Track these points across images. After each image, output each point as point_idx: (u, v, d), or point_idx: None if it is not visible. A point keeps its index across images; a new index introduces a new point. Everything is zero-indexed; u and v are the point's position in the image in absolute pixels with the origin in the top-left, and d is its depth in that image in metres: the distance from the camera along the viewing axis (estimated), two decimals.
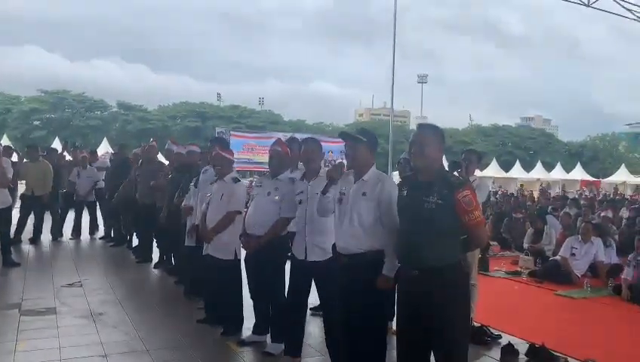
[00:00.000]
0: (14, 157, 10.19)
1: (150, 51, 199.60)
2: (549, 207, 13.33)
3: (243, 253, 4.76)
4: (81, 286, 6.46)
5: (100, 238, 10.27)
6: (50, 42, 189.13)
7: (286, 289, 4.20)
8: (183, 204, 5.98)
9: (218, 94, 59.33)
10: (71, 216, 10.49)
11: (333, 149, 24.76)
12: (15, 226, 9.27)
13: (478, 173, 6.84)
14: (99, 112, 49.53)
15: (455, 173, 4.40)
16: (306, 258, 3.88)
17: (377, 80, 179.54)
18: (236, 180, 4.85)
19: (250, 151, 31.64)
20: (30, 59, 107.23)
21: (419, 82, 47.85)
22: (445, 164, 3.63)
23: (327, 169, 3.77)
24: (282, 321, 4.23)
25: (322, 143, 4.39)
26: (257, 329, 4.60)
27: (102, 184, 10.53)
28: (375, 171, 3.42)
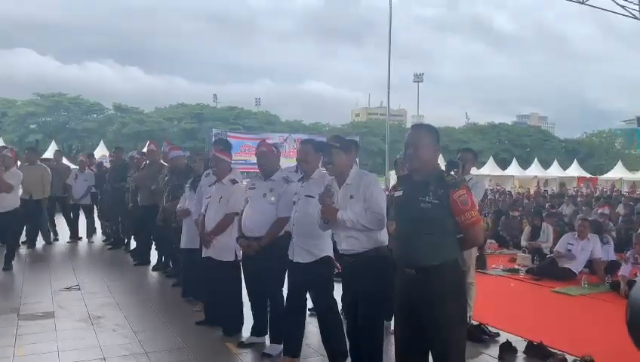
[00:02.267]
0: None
1: (143, 53, 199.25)
2: (547, 205, 13.37)
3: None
4: (79, 289, 6.46)
5: (103, 241, 10.28)
6: (42, 45, 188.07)
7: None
8: (178, 206, 5.99)
9: (214, 95, 59.23)
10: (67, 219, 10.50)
11: None
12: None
13: (475, 171, 6.86)
14: (95, 115, 49.41)
15: (452, 172, 4.43)
16: (292, 258, 3.91)
17: (372, 79, 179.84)
18: (234, 182, 4.85)
19: (247, 152, 31.58)
20: (22, 61, 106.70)
21: (415, 81, 47.63)
22: (442, 162, 3.66)
23: (322, 172, 3.85)
24: (280, 322, 4.24)
25: None
26: (256, 330, 4.61)
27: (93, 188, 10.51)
28: (355, 171, 3.52)
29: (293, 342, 4.09)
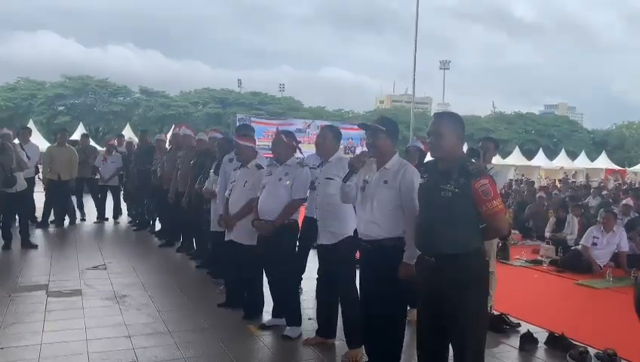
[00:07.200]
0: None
1: (162, 37, 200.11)
2: (567, 198, 13.14)
3: None
4: (106, 268, 6.62)
5: (128, 222, 10.48)
6: (63, 28, 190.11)
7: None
8: (203, 189, 6.08)
9: (239, 80, 59.25)
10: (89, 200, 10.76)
11: (354, 136, 24.57)
12: (42, 210, 9.53)
13: (500, 160, 6.79)
14: (121, 98, 49.96)
15: (472, 160, 4.39)
16: (318, 242, 4.02)
17: (394, 67, 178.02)
18: (259, 167, 4.89)
19: (270, 137, 31.63)
20: (46, 44, 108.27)
21: (441, 68, 46.95)
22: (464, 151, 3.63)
23: (341, 155, 3.91)
24: (296, 305, 4.43)
25: (342, 130, 4.45)
26: (276, 312, 4.67)
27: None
28: (398, 159, 3.45)
29: (324, 324, 4.19)
